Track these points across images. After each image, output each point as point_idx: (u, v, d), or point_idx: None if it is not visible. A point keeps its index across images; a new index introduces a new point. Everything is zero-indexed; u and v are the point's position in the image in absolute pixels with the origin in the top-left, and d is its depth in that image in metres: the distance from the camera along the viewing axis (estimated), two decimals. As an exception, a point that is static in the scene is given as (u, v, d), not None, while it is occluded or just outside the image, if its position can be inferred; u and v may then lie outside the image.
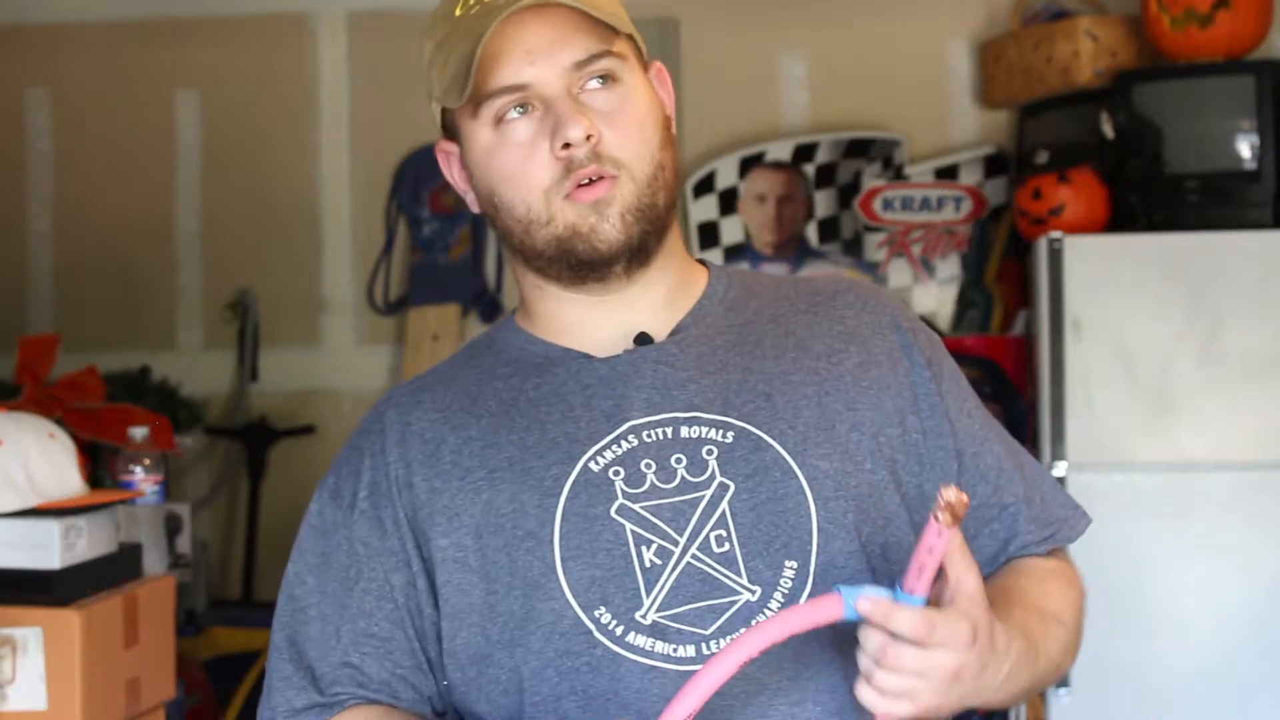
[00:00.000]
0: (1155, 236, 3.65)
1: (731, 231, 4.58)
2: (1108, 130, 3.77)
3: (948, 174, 4.40)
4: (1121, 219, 3.75)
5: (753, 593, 1.37)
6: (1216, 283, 3.58)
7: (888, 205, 4.38)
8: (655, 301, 1.49)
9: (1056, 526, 1.54)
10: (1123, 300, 3.58)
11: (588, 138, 1.41)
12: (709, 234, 4.61)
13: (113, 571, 2.42)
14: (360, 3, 4.79)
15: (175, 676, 2.59)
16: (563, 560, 1.39)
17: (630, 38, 1.47)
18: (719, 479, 1.41)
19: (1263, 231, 3.62)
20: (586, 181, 1.42)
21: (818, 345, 1.49)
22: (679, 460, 1.41)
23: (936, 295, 4.36)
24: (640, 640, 1.37)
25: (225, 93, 4.85)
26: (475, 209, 1.52)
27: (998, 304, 4.23)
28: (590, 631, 1.38)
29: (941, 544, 1.24)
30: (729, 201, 4.59)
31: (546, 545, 1.39)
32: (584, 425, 1.44)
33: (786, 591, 1.38)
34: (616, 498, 1.40)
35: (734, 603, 1.37)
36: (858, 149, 4.47)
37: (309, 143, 4.84)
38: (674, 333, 1.49)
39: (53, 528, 2.27)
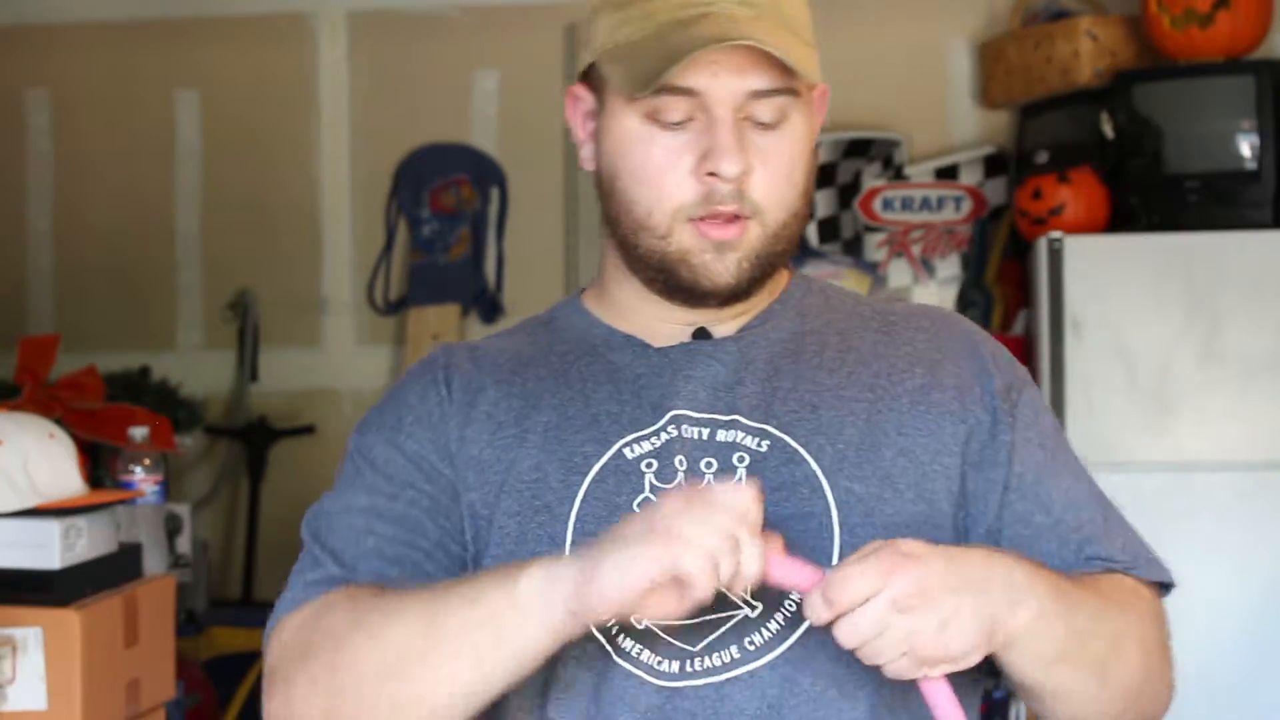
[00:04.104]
0: (1155, 236, 3.65)
1: (731, 231, 4.58)
2: (1108, 130, 3.77)
3: (948, 174, 4.40)
4: (1121, 219, 3.75)
5: (753, 609, 1.32)
6: (1216, 283, 3.58)
7: (888, 205, 4.38)
8: (728, 313, 1.44)
9: (1130, 560, 1.43)
10: (1123, 300, 3.58)
11: (740, 175, 1.35)
12: (709, 234, 4.61)
13: (113, 571, 2.42)
14: (360, 3, 4.78)
15: (175, 676, 2.59)
16: (573, 544, 1.34)
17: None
18: None
19: (1263, 231, 3.62)
20: (719, 216, 1.36)
21: (879, 364, 1.42)
22: (709, 464, 1.36)
23: (936, 295, 4.36)
24: (630, 645, 1.33)
25: (225, 93, 4.85)
26: (586, 166, 1.45)
27: (998, 304, 4.23)
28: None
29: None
30: (729, 201, 4.58)
31: (560, 523, 1.35)
32: (628, 410, 1.39)
33: (790, 614, 1.32)
34: (644, 490, 1.36)
35: (730, 618, 1.32)
36: (857, 149, 4.47)
37: (309, 143, 4.83)
38: (738, 332, 1.44)
39: (53, 528, 2.27)
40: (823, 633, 1.23)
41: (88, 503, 2.34)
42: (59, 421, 2.66)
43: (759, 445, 1.37)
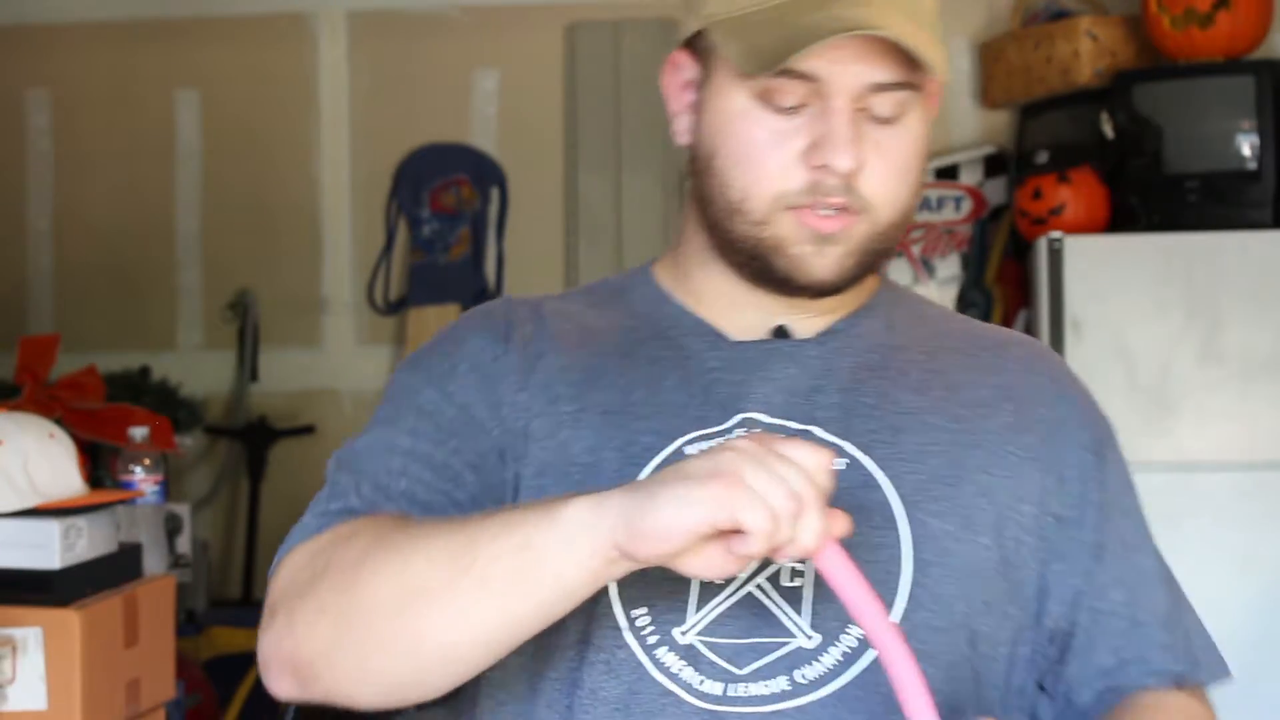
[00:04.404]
0: (1155, 236, 3.65)
1: (731, 231, 4.58)
2: (1108, 130, 3.76)
3: (948, 174, 4.40)
4: (1121, 219, 3.75)
5: (809, 639, 1.21)
6: (1216, 283, 3.58)
7: (888, 205, 4.38)
8: (814, 307, 1.34)
9: (1191, 665, 1.33)
10: (1123, 300, 3.58)
11: (852, 172, 1.25)
12: (709, 234, 4.61)
13: (113, 571, 2.41)
14: (360, 3, 4.78)
15: (175, 676, 2.59)
16: None
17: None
18: None
19: (1263, 231, 3.62)
20: (824, 207, 1.26)
21: (967, 393, 1.32)
22: None
23: (936, 295, 4.36)
24: (670, 659, 1.22)
25: (225, 93, 4.85)
26: (680, 140, 1.34)
27: (998, 304, 4.23)
28: (620, 629, 1.23)
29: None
30: (729, 201, 4.58)
31: None
32: (695, 404, 1.29)
33: (850, 649, 1.21)
34: None
35: (783, 644, 1.21)
36: (858, 149, 4.47)
37: (309, 143, 4.83)
38: (821, 335, 1.34)
39: (53, 528, 2.27)
40: (880, 673, 1.11)
41: (88, 503, 2.34)
42: (59, 421, 2.66)
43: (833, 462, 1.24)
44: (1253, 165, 3.67)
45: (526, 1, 4.74)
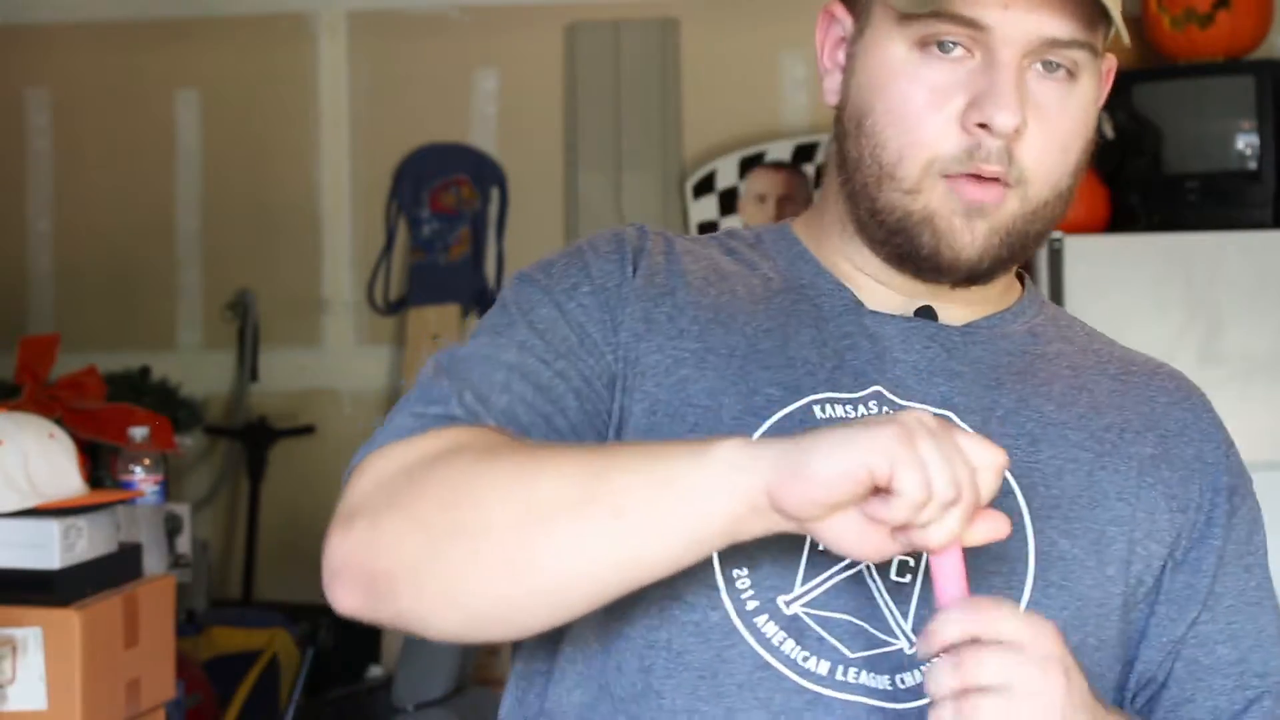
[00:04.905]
0: (1155, 236, 3.65)
1: (731, 231, 4.59)
2: (1108, 130, 3.77)
3: (948, 174, 4.40)
4: (1121, 219, 3.75)
5: (910, 644, 1.11)
6: (1216, 283, 3.58)
7: (888, 205, 4.38)
8: (960, 296, 1.23)
9: None
10: (1123, 300, 3.58)
11: (1013, 132, 1.14)
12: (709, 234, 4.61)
13: (113, 571, 2.41)
14: (360, 3, 4.78)
15: (175, 676, 2.59)
16: None
17: (1107, 29, 1.17)
18: None
19: (1263, 231, 3.62)
20: (979, 176, 1.15)
21: (1112, 416, 1.23)
22: None
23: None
24: (770, 629, 1.11)
25: (225, 93, 4.85)
26: (830, 99, 1.24)
27: (998, 304, 4.23)
28: (718, 589, 1.11)
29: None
30: (729, 201, 4.58)
31: None
32: (829, 366, 1.18)
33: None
34: None
35: (887, 643, 1.11)
36: (858, 149, 4.47)
37: (309, 143, 4.83)
38: (964, 326, 1.24)
39: (53, 528, 2.27)
40: None
41: (88, 503, 2.34)
42: (59, 421, 2.66)
43: None
44: (1253, 165, 3.67)
45: (526, 1, 4.74)
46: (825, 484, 0.97)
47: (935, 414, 1.07)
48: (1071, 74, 1.16)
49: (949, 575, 1.02)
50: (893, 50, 1.17)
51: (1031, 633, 1.00)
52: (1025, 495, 1.16)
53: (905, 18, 1.15)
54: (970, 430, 1.10)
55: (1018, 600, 1.13)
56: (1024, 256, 1.23)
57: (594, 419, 1.16)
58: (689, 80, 4.61)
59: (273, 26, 4.83)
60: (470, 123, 4.79)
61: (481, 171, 4.78)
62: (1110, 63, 1.23)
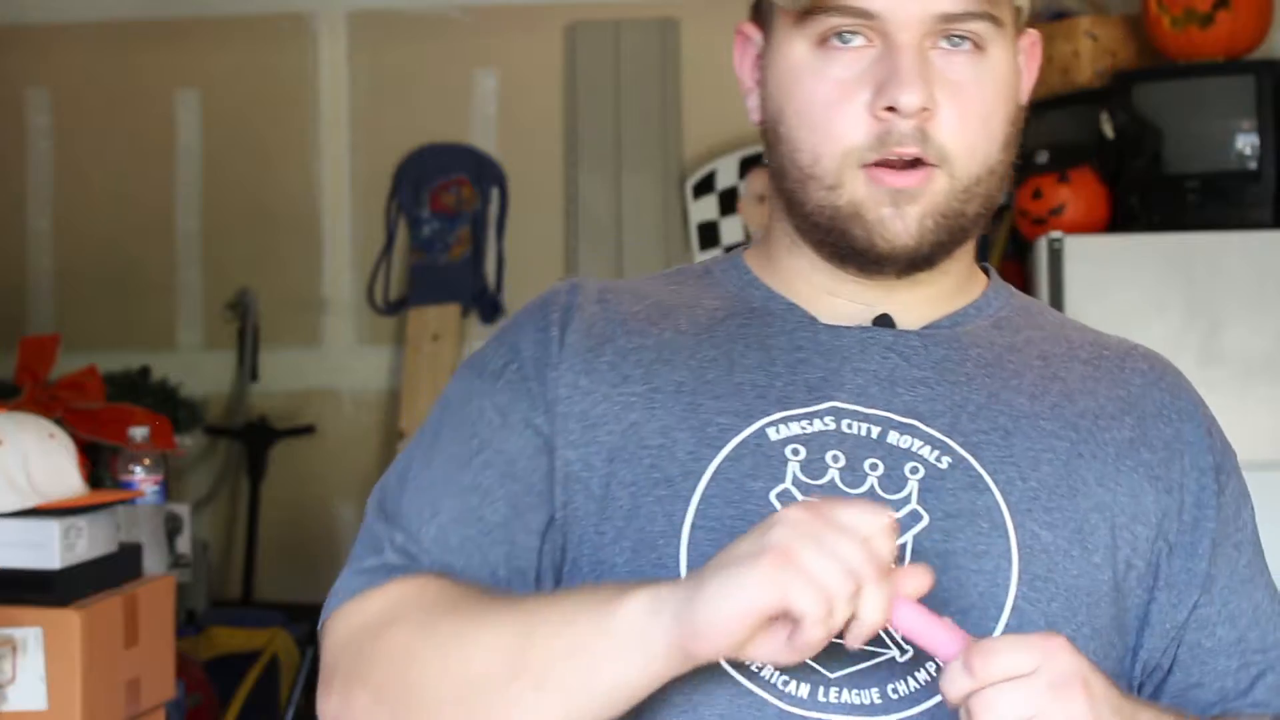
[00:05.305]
0: (1155, 236, 3.65)
1: (731, 232, 4.58)
2: (1108, 130, 3.76)
3: (948, 174, 4.40)
4: (1121, 219, 3.75)
5: (902, 652, 1.11)
6: (1216, 283, 3.58)
7: (888, 205, 4.38)
8: (917, 295, 1.23)
9: None
10: (1123, 300, 3.58)
11: (921, 110, 1.13)
12: (709, 234, 4.60)
13: (113, 571, 2.41)
14: (360, 3, 4.79)
15: (175, 676, 2.59)
16: (693, 527, 1.13)
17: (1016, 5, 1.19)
18: (913, 505, 1.14)
19: (1263, 231, 3.62)
20: (897, 161, 1.15)
21: (1086, 402, 1.22)
22: (874, 466, 1.15)
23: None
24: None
25: (225, 93, 4.85)
26: (753, 118, 1.26)
27: (998, 304, 4.23)
28: None
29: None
30: (729, 201, 4.58)
31: (681, 502, 1.14)
32: (780, 385, 1.18)
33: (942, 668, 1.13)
34: (784, 479, 1.14)
35: (874, 655, 1.11)
36: (858, 149, 4.47)
37: (309, 143, 4.84)
38: (925, 328, 1.23)
39: (53, 528, 2.27)
40: None
41: (88, 503, 2.34)
42: (59, 421, 2.66)
43: (938, 460, 1.16)
44: (1253, 165, 3.67)
45: (526, 1, 4.74)
46: (722, 632, 1.00)
47: (897, 421, 1.15)
48: (979, 46, 1.16)
49: (918, 630, 1.02)
50: (795, 52, 1.18)
51: (1040, 655, 1.01)
52: (1002, 490, 1.16)
53: (801, 18, 1.17)
54: (934, 430, 1.15)
55: (1005, 595, 1.13)
56: (965, 238, 1.22)
57: (519, 500, 1.19)
58: (689, 80, 4.61)
59: (272, 26, 4.83)
60: (470, 123, 4.79)
61: (481, 171, 4.79)
62: (1033, 37, 1.23)
